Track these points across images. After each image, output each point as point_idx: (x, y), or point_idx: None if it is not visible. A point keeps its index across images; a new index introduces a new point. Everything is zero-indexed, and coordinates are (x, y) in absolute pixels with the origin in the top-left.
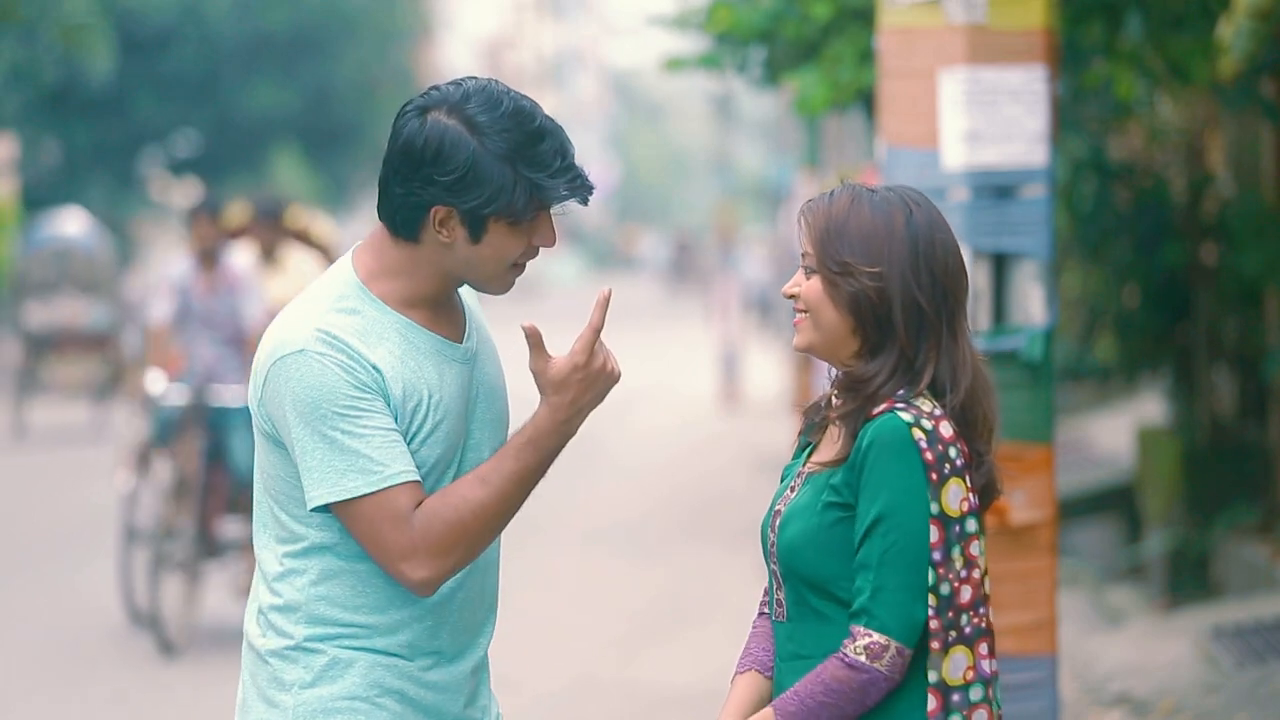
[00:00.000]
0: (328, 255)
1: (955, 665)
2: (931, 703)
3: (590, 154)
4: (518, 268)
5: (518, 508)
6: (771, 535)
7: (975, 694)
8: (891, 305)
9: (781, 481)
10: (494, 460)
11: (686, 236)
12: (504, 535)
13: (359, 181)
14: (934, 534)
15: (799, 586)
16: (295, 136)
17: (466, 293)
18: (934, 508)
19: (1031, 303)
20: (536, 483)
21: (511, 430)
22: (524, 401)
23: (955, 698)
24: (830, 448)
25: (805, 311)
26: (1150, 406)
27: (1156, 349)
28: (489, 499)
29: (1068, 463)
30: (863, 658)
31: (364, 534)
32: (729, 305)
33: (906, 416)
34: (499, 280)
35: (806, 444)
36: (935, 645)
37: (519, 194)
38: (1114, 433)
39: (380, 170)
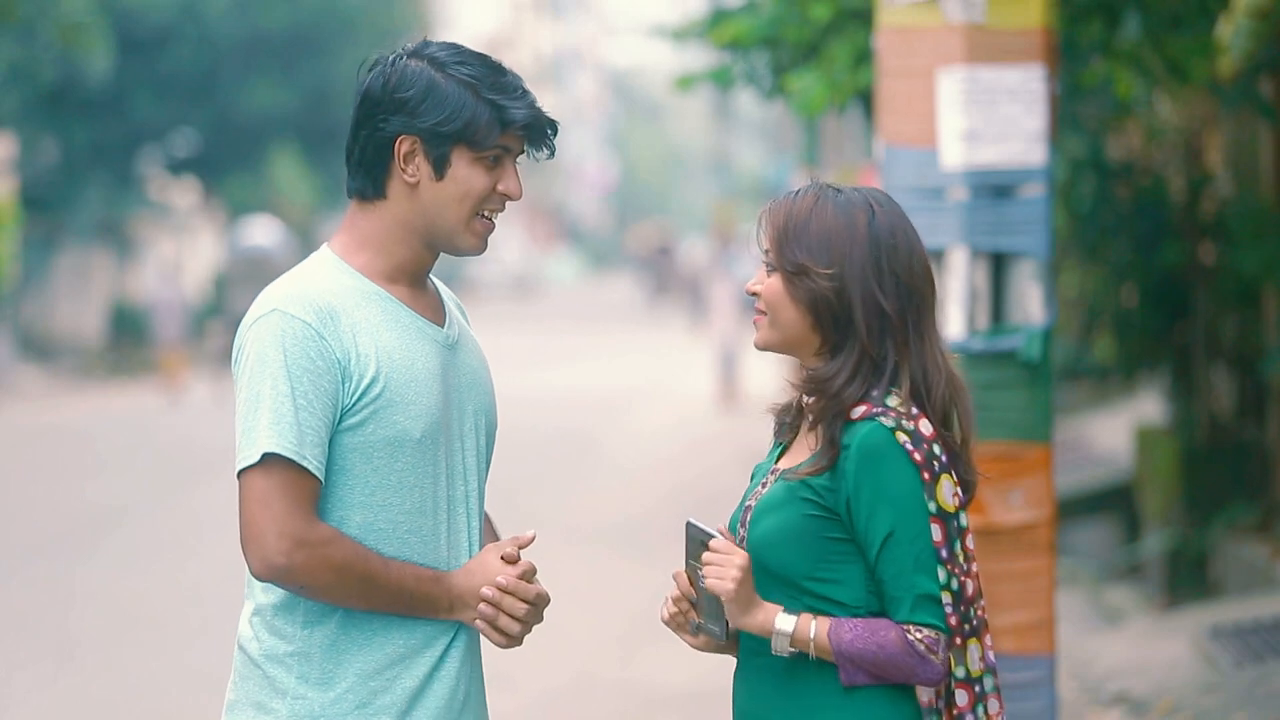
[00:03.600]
0: None
1: (972, 658)
2: (963, 697)
3: (589, 153)
4: (485, 220)
5: (353, 600)
6: (741, 531)
7: (988, 683)
8: (851, 306)
9: (752, 480)
10: (396, 564)
11: (668, 238)
12: (502, 534)
13: None
14: (937, 533)
15: (766, 583)
16: (294, 136)
17: (449, 295)
18: (932, 506)
19: (1030, 302)
20: (380, 604)
21: (494, 433)
22: (511, 402)
23: (977, 688)
24: (803, 450)
25: (764, 311)
26: (1149, 406)
27: (1155, 348)
28: (369, 573)
29: (1066, 462)
30: (922, 648)
31: (253, 498)
32: (726, 304)
33: (888, 422)
34: (468, 231)
35: (779, 444)
36: (957, 641)
37: (480, 112)
38: (1112, 432)
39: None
